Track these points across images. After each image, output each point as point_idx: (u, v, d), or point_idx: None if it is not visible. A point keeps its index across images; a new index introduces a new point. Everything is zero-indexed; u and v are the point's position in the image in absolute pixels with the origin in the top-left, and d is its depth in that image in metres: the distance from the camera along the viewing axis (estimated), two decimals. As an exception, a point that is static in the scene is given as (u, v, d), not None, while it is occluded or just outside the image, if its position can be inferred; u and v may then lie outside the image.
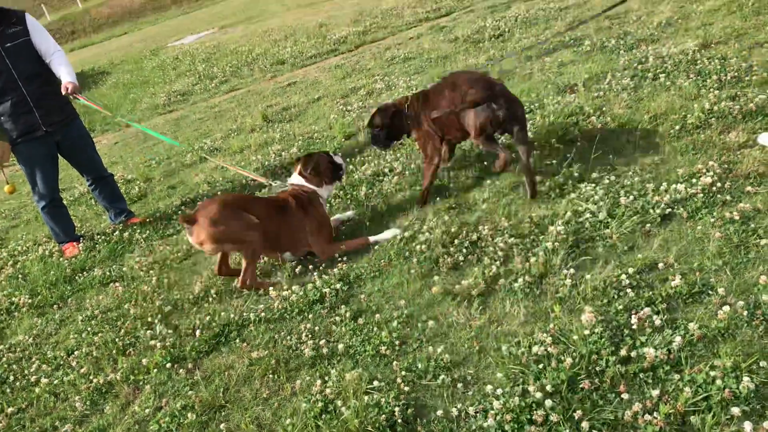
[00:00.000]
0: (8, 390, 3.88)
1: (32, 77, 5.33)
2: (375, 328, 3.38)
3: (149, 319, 4.13)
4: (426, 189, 4.59)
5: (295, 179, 4.57)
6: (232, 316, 3.89)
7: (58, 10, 51.99)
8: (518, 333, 3.03)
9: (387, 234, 4.31)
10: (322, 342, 3.38)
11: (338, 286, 3.85)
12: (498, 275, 3.47)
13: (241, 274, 4.16)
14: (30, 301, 4.95)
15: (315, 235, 4.36)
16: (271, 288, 4.04)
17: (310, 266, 4.21)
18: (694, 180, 3.76)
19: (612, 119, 4.90)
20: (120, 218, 6.06)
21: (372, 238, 4.33)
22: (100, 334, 4.14)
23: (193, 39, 20.44)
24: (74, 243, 5.83)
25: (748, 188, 3.56)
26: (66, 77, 5.40)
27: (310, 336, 3.48)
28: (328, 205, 4.73)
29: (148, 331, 3.99)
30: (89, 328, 4.29)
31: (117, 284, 4.83)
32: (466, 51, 8.40)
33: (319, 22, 14.90)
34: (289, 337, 3.53)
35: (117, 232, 5.83)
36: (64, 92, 5.37)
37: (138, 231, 5.74)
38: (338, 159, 4.69)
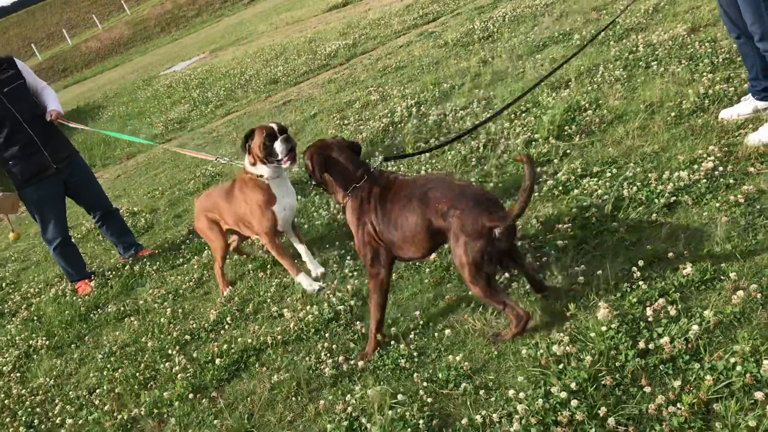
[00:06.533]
0: (34, 434, 3.91)
1: (34, 118, 5.48)
2: (392, 342, 3.40)
3: (168, 351, 4.16)
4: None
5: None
6: (249, 341, 3.90)
7: (48, 48, 52.38)
8: (535, 334, 3.04)
9: (305, 284, 4.25)
10: (341, 360, 3.40)
11: (352, 302, 3.87)
12: (511, 278, 3.49)
13: None
14: (47, 342, 4.98)
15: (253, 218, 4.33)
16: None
17: (324, 285, 4.24)
18: (695, 166, 3.76)
19: (608, 111, 4.92)
20: (129, 252, 6.10)
21: (298, 276, 4.30)
22: (120, 370, 4.17)
23: (185, 65, 20.56)
24: (86, 280, 5.87)
25: (751, 169, 3.57)
26: (51, 105, 5.58)
27: (328, 355, 3.50)
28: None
29: (168, 363, 4.01)
30: (109, 365, 4.32)
31: (132, 318, 4.86)
32: (457, 55, 8.43)
33: (308, 38, 14.97)
34: (308, 358, 3.54)
35: (127, 267, 5.86)
36: (48, 119, 5.48)
37: (148, 263, 5.77)
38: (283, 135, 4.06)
